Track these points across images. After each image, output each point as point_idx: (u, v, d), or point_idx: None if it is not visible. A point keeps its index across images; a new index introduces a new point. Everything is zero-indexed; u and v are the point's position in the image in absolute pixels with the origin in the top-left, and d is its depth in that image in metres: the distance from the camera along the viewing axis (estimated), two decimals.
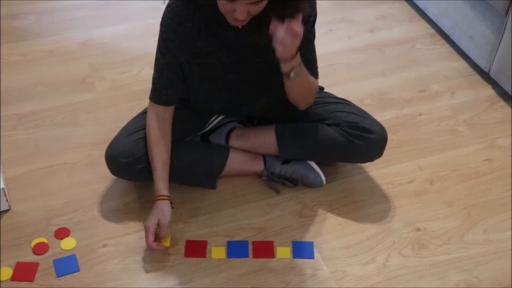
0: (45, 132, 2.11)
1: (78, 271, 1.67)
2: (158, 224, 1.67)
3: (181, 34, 1.62)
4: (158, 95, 1.73)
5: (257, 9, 1.47)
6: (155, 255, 1.72)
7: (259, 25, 1.55)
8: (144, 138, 1.77)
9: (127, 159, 1.75)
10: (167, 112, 1.75)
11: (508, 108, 2.27)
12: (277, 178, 1.90)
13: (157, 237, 1.68)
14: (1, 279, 1.64)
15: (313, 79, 1.73)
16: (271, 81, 1.76)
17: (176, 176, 1.86)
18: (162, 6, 1.68)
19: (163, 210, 1.68)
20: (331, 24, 2.68)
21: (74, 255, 1.70)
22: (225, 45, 1.65)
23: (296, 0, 1.48)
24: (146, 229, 1.67)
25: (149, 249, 1.71)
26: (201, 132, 1.94)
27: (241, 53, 1.68)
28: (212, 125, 1.94)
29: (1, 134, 2.09)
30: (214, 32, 1.62)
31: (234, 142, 1.91)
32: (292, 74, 1.60)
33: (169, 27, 1.62)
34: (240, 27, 1.58)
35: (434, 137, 2.14)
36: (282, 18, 1.52)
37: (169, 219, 1.68)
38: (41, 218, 1.81)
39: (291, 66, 1.58)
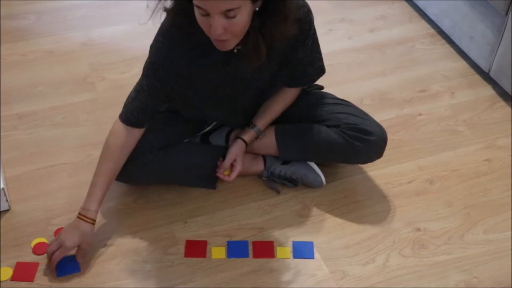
0: (45, 132, 2.11)
1: (79, 272, 1.67)
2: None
3: (172, 59, 1.60)
4: (128, 115, 1.68)
5: (235, 26, 1.41)
6: (155, 255, 1.72)
7: (250, 52, 1.52)
8: (146, 142, 1.75)
9: (128, 163, 1.73)
10: (135, 132, 1.70)
11: (508, 108, 2.27)
12: (277, 179, 1.90)
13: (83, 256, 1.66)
14: (1, 279, 1.64)
15: (284, 105, 1.85)
16: (267, 95, 1.81)
17: (178, 179, 1.86)
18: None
19: (85, 232, 1.62)
20: (331, 24, 2.68)
21: (74, 256, 1.70)
22: (217, 71, 1.64)
23: (280, 21, 1.47)
24: (65, 249, 1.60)
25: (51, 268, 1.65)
26: (200, 132, 1.94)
27: (234, 78, 1.68)
28: (211, 126, 1.94)
29: (1, 134, 2.09)
30: (206, 58, 1.60)
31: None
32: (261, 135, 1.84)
33: (159, 51, 1.60)
34: (234, 50, 1.56)
35: (434, 137, 2.14)
36: (271, 43, 1.52)
37: (90, 244, 1.66)
38: (41, 218, 1.81)
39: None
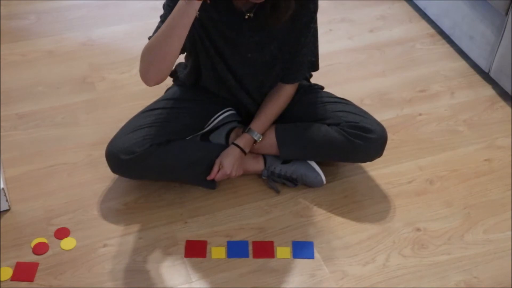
0: (45, 132, 2.11)
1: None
2: None
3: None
4: None
5: None
6: (155, 255, 1.72)
7: (270, 11, 1.57)
8: (146, 136, 1.76)
9: (127, 156, 1.74)
10: None
11: (508, 108, 2.27)
12: (277, 178, 1.90)
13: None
14: (1, 279, 1.64)
15: (280, 106, 1.86)
16: (266, 86, 1.84)
17: (176, 176, 1.86)
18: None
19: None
20: (331, 24, 2.69)
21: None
22: (221, 32, 1.67)
23: None
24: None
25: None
26: (201, 132, 1.94)
27: (235, 47, 1.71)
28: (212, 125, 1.94)
29: (1, 134, 2.09)
30: (218, 13, 1.62)
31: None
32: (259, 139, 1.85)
33: None
34: (246, 16, 1.59)
35: (434, 137, 2.14)
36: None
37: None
38: (41, 218, 1.81)
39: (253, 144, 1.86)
